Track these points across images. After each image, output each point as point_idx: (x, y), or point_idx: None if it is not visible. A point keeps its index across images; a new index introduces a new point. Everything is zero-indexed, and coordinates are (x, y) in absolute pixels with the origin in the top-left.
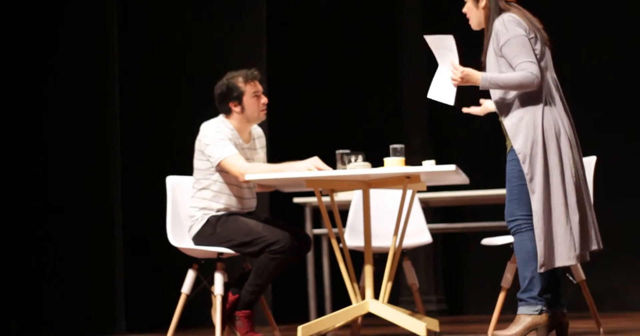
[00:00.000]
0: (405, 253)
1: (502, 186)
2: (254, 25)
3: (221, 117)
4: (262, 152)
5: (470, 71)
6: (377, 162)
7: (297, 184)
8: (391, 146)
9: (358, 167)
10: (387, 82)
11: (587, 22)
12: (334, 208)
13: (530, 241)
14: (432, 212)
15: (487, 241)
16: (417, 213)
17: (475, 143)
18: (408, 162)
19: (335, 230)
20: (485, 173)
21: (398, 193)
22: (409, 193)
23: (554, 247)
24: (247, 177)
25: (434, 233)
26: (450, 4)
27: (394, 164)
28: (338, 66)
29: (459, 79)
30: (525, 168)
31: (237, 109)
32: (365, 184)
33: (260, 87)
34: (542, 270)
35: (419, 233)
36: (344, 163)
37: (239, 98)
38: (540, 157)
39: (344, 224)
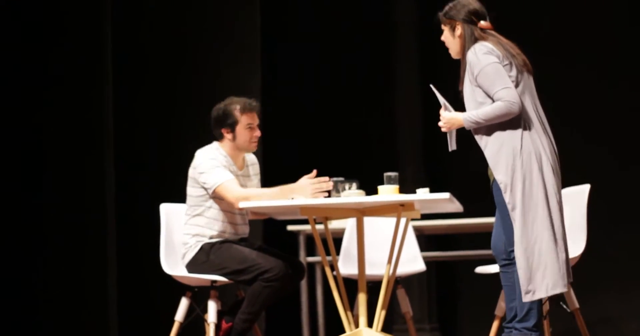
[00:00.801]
0: (399, 281)
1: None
2: (248, 52)
3: (215, 144)
4: (255, 179)
5: (452, 116)
6: (371, 190)
7: (291, 211)
8: (385, 174)
9: (352, 195)
10: (382, 110)
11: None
12: (327, 236)
13: None
14: (426, 240)
15: (480, 269)
16: (411, 241)
17: (469, 171)
18: (402, 190)
19: (329, 258)
20: (479, 201)
21: (392, 220)
22: (403, 220)
23: (544, 276)
24: (241, 205)
25: (427, 261)
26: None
27: (388, 192)
28: (333, 93)
29: (445, 126)
30: (507, 197)
31: (228, 135)
32: (359, 212)
33: (256, 120)
34: (527, 299)
35: (413, 261)
36: (338, 191)
37: (232, 126)
38: (520, 186)
39: (337, 252)
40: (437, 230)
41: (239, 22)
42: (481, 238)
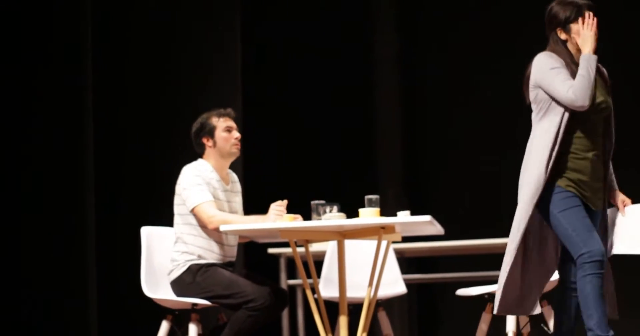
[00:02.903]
0: (380, 304)
1: (477, 236)
2: (228, 73)
3: (200, 160)
4: (239, 197)
5: None
6: (352, 213)
7: (272, 235)
8: (366, 197)
9: (333, 218)
10: (363, 132)
11: None
12: (308, 259)
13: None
14: (407, 262)
15: (462, 291)
16: (392, 264)
17: (450, 194)
18: (383, 213)
19: (310, 281)
20: (460, 224)
21: (373, 243)
22: (384, 243)
23: None
24: (222, 228)
25: (408, 284)
26: (425, 59)
27: (369, 215)
28: (313, 115)
29: None
30: None
31: (209, 143)
32: (340, 235)
33: (233, 124)
34: None
35: (394, 284)
36: (319, 214)
37: (211, 133)
38: None
39: (318, 275)
40: (418, 253)
41: (218, 42)
42: (462, 260)
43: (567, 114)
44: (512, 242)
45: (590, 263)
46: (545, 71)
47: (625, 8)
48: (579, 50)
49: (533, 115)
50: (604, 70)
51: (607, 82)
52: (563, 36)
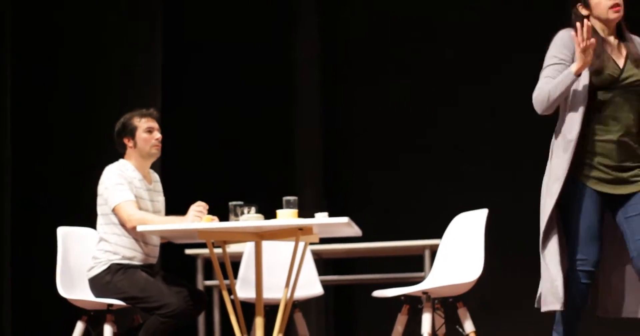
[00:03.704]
0: (297, 305)
1: (395, 238)
2: (150, 73)
3: (122, 160)
4: (162, 196)
5: None
6: (270, 214)
7: (190, 235)
8: (284, 198)
9: (251, 219)
10: (282, 133)
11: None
12: (225, 260)
13: None
14: (324, 264)
15: (378, 293)
16: (309, 265)
17: (368, 196)
18: (301, 215)
19: (226, 282)
20: (378, 226)
21: (290, 244)
22: (301, 244)
23: None
24: (139, 228)
25: (325, 285)
26: (346, 59)
27: (286, 216)
28: (232, 116)
29: None
30: None
31: (130, 143)
32: (258, 236)
33: (155, 125)
34: None
35: (311, 285)
36: (236, 215)
37: (132, 133)
38: None
39: (235, 276)
40: (336, 254)
41: (140, 43)
42: (379, 262)
43: (586, 97)
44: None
45: (585, 272)
46: (546, 57)
47: None
48: (604, 24)
49: None
50: (634, 46)
51: (638, 59)
52: (584, 12)
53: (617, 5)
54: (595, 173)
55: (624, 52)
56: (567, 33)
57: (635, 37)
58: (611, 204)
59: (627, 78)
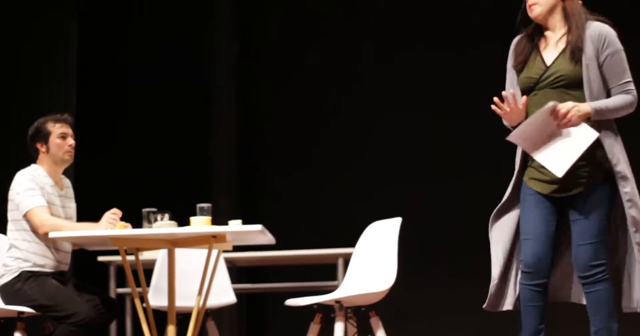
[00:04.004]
0: (209, 313)
1: (308, 246)
2: (64, 78)
3: (34, 165)
4: (74, 203)
5: (576, 103)
6: (183, 222)
7: (102, 242)
8: (198, 205)
9: (164, 226)
10: (196, 140)
11: None
12: (138, 267)
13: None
14: (238, 272)
15: (291, 301)
16: (222, 273)
17: (282, 204)
18: (215, 222)
19: (139, 289)
20: (291, 234)
21: (204, 252)
22: (215, 252)
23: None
24: (51, 235)
25: (238, 293)
26: (262, 68)
27: (200, 224)
28: (146, 123)
29: (571, 116)
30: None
31: (43, 149)
32: (171, 243)
33: (69, 130)
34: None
35: (224, 293)
36: (149, 222)
37: (45, 138)
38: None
39: (148, 284)
40: (249, 262)
41: (54, 48)
42: (292, 270)
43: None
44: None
45: (523, 273)
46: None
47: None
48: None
49: None
50: (576, 36)
51: (575, 50)
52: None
53: (532, 4)
54: (534, 174)
55: (562, 45)
56: (515, 39)
57: (591, 24)
58: (561, 205)
59: (550, 76)
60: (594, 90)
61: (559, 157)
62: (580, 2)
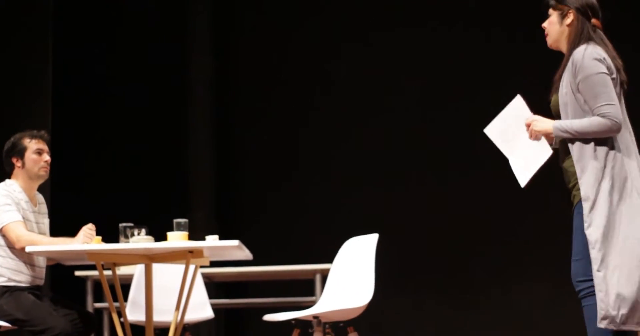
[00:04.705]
0: (187, 328)
1: (285, 262)
2: (40, 94)
3: (8, 180)
4: (47, 219)
5: (541, 118)
6: (160, 237)
7: (79, 257)
8: (175, 221)
9: (141, 241)
10: (173, 155)
11: None
12: (115, 282)
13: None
14: (215, 287)
15: (269, 317)
16: (200, 288)
17: (260, 219)
18: (192, 237)
19: (116, 304)
20: (269, 249)
21: (181, 267)
22: (192, 267)
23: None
24: (28, 249)
25: (216, 308)
26: (239, 83)
27: (177, 239)
28: (123, 138)
29: (532, 130)
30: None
31: (18, 163)
32: (148, 258)
33: (45, 147)
34: (603, 325)
35: (201, 308)
36: (126, 237)
37: (20, 153)
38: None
39: (125, 298)
40: (227, 277)
41: (29, 65)
42: (270, 285)
43: None
44: None
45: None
46: None
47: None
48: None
49: None
50: (562, 66)
51: (557, 80)
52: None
53: (546, 34)
54: None
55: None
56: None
57: (574, 53)
58: None
59: (550, 106)
60: (569, 113)
61: (523, 167)
62: (581, 22)
